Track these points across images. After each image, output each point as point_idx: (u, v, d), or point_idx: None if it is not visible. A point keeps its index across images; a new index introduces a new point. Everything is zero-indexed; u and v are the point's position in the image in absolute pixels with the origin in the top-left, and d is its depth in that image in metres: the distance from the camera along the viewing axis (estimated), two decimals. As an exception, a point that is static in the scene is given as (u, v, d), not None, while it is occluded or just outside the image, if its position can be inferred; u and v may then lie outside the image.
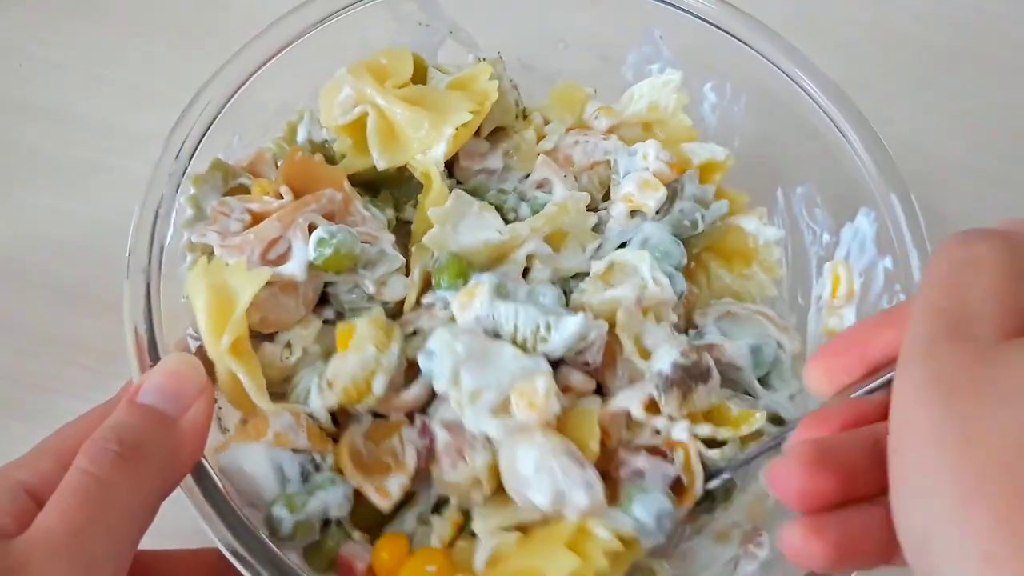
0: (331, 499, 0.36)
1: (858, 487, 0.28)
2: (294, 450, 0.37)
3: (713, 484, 0.37)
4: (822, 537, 0.27)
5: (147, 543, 0.31)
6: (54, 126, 0.58)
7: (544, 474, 0.35)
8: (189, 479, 0.34)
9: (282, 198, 0.41)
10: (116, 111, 0.58)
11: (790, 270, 0.48)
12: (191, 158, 0.42)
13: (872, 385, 0.29)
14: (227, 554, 0.34)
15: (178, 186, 0.41)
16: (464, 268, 0.40)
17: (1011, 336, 0.24)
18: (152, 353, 0.37)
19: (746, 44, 0.47)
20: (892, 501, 0.25)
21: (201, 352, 0.38)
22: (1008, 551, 0.21)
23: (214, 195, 0.41)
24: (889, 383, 0.29)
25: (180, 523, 0.34)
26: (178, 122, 0.42)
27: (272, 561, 0.34)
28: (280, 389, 0.40)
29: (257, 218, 0.40)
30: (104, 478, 0.30)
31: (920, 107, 0.60)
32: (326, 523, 0.37)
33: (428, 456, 0.37)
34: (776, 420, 0.41)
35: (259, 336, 0.40)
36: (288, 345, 0.40)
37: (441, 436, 0.37)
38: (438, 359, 0.37)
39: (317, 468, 0.37)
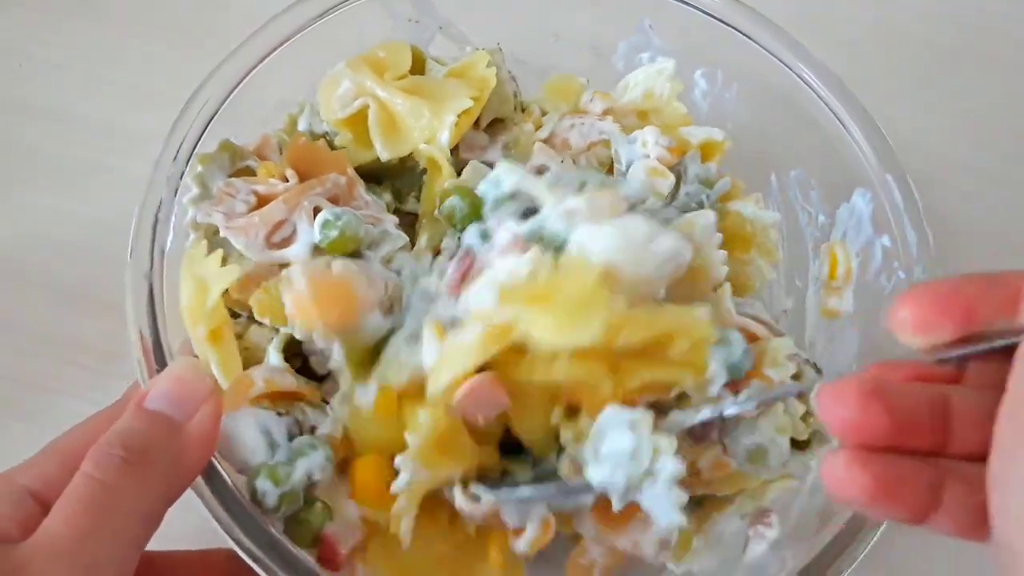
0: (313, 464, 0.36)
1: (910, 438, 0.27)
2: (279, 413, 0.37)
3: (731, 410, 0.35)
4: (866, 469, 0.26)
5: (153, 547, 0.31)
6: (54, 126, 0.58)
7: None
8: (200, 480, 0.34)
9: (287, 181, 0.41)
10: (116, 111, 0.58)
11: (786, 253, 0.48)
12: (189, 158, 0.42)
13: (972, 350, 0.28)
14: (241, 553, 0.33)
15: (176, 188, 0.41)
16: (477, 201, 0.39)
17: None
18: (158, 357, 0.37)
19: (736, 29, 0.47)
20: (995, 463, 0.25)
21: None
22: None
23: (221, 175, 0.41)
24: (979, 354, 0.28)
25: (187, 526, 0.34)
26: (177, 121, 0.42)
27: (285, 559, 0.34)
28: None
29: (262, 200, 0.40)
30: (110, 484, 0.30)
31: (922, 106, 0.60)
32: (309, 487, 0.37)
33: (463, 279, 0.37)
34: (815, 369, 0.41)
35: (251, 318, 0.40)
36: (276, 328, 0.40)
37: (502, 236, 0.36)
38: (504, 176, 0.38)
39: (302, 431, 0.37)
